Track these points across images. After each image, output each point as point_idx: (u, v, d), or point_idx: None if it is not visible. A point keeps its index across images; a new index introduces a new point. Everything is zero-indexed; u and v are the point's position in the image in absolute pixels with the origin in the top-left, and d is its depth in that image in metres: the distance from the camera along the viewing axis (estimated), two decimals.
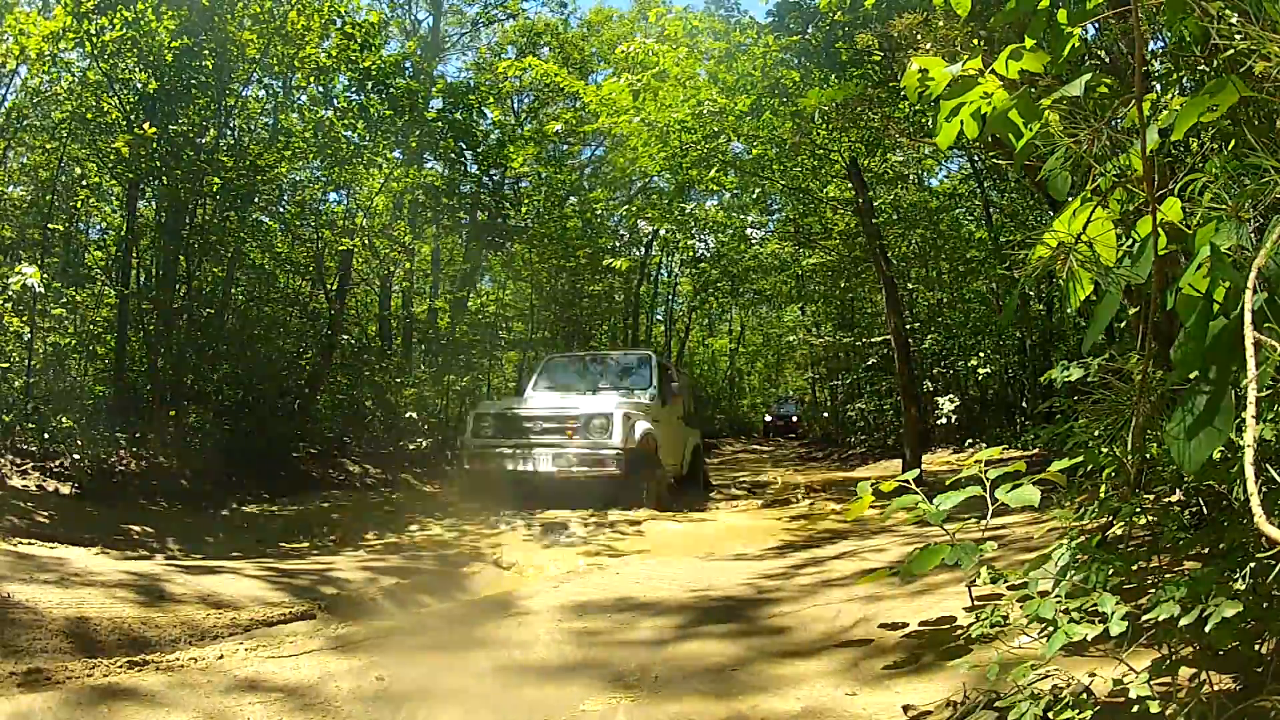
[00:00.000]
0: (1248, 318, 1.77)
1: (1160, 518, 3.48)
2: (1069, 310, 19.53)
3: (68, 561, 6.86)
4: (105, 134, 12.97)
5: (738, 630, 5.46)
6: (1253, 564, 2.62)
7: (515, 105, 27.90)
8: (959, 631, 4.23)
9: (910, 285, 23.57)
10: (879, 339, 23.74)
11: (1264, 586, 2.52)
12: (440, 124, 17.22)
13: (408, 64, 20.57)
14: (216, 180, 13.48)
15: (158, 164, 12.78)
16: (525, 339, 23.77)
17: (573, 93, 18.39)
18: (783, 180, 18.99)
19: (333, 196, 17.88)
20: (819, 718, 3.81)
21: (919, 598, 5.22)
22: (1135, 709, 2.44)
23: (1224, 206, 2.26)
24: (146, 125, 12.35)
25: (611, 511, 11.55)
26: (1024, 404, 19.37)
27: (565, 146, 28.12)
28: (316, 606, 6.31)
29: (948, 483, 4.02)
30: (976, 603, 3.88)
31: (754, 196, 22.48)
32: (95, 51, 12.30)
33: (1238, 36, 2.42)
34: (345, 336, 17.92)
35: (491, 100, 19.82)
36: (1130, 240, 2.50)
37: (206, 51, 13.32)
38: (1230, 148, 2.74)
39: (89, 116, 12.83)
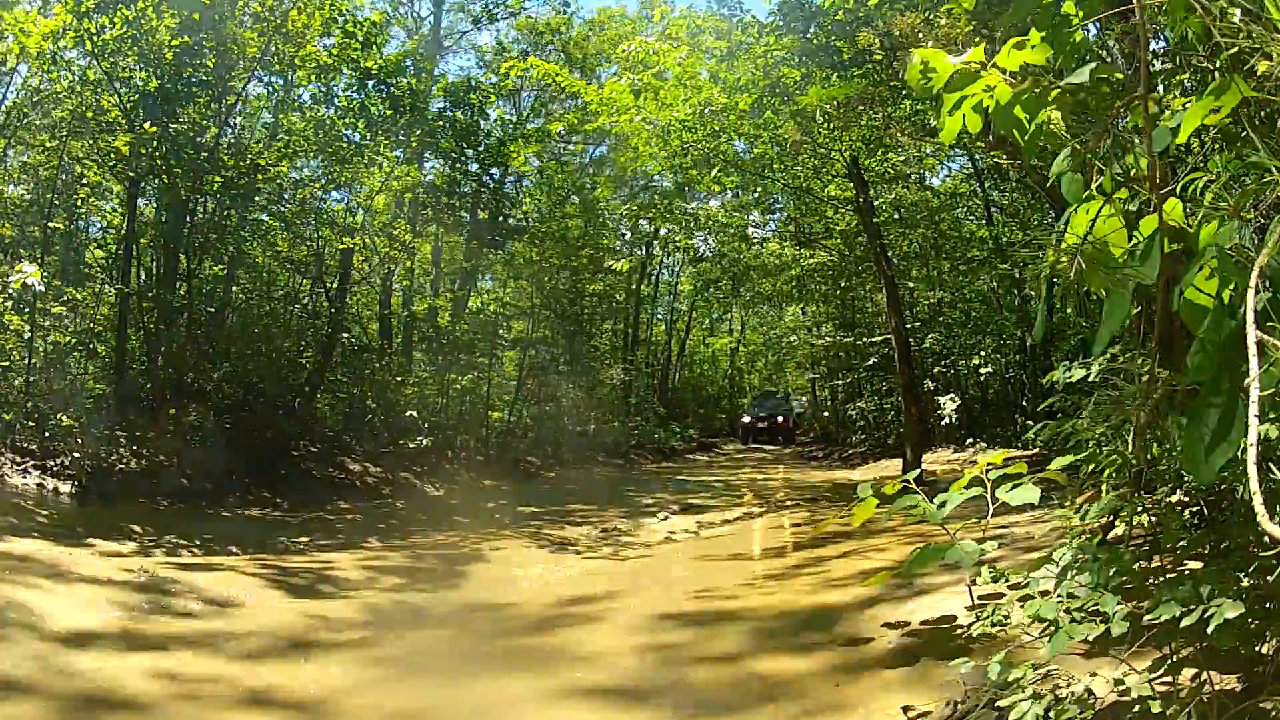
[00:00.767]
0: (1250, 318, 1.76)
1: (1162, 518, 3.47)
2: (1069, 311, 19.57)
3: (67, 561, 6.84)
4: (106, 133, 12.94)
5: (734, 628, 5.46)
6: (1255, 565, 2.62)
7: (517, 104, 27.88)
8: (960, 631, 4.22)
9: (911, 284, 23.55)
10: (880, 338, 23.74)
11: (1265, 587, 2.51)
12: (441, 123, 17.21)
13: (409, 63, 20.57)
14: (217, 179, 13.46)
15: (158, 162, 12.77)
16: (526, 338, 23.72)
17: (574, 92, 18.38)
18: (784, 180, 18.97)
19: (333, 195, 17.85)
20: (817, 715, 3.81)
21: (920, 597, 5.22)
22: (1137, 709, 2.43)
23: (1226, 206, 2.25)
24: (147, 124, 12.34)
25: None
26: (1025, 404, 19.32)
27: (568, 146, 28.12)
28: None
29: (952, 488, 4.02)
30: (978, 602, 3.88)
31: (755, 196, 22.47)
32: (95, 50, 12.27)
33: (1240, 36, 2.41)
34: (346, 335, 17.90)
35: (493, 99, 19.79)
36: (1134, 240, 2.49)
37: (207, 50, 13.30)
38: (1232, 148, 2.74)
39: (89, 115, 12.80)
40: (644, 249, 33.35)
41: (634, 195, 29.51)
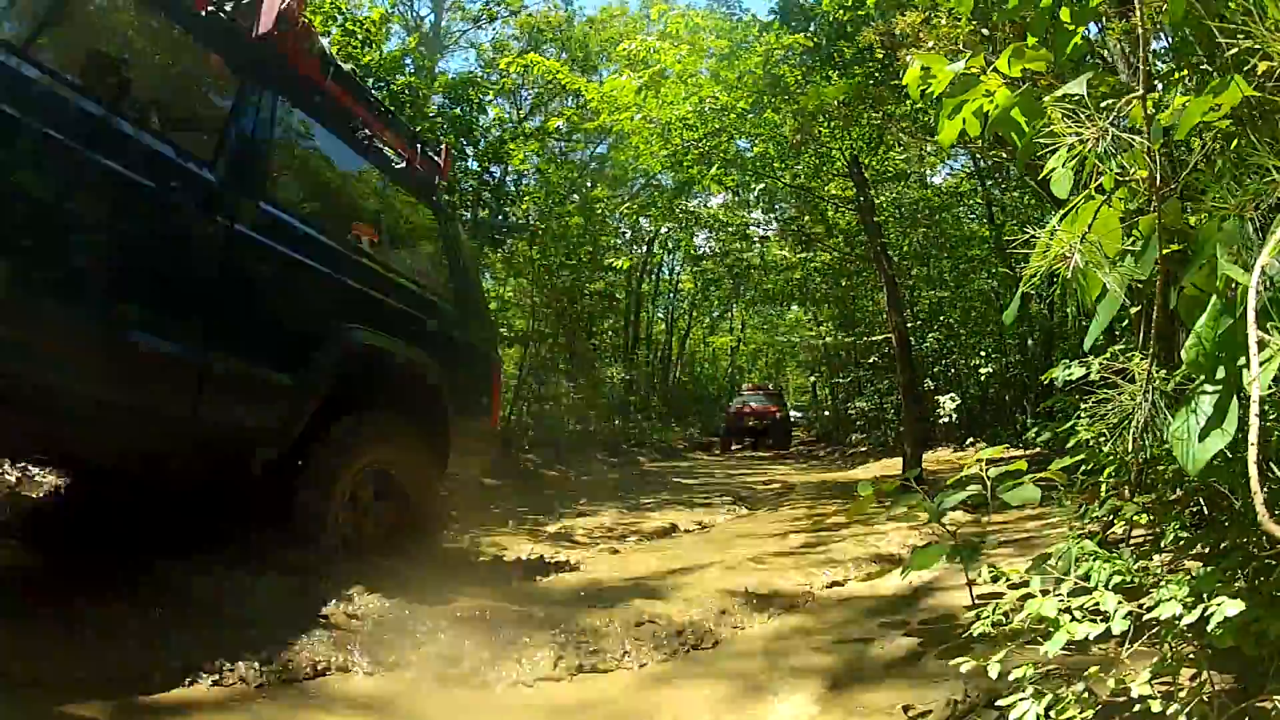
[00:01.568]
0: (1251, 316, 1.76)
1: (1161, 517, 3.48)
2: (1070, 310, 19.59)
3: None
4: None
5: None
6: (1254, 564, 2.62)
7: (517, 102, 27.91)
8: (959, 630, 4.23)
9: (912, 283, 23.59)
10: (880, 337, 23.77)
11: (1265, 585, 2.52)
12: (440, 120, 17.20)
13: (408, 60, 20.56)
14: None
15: None
16: (526, 335, 23.71)
17: (575, 90, 18.37)
18: (784, 178, 18.99)
19: None
20: (816, 715, 3.81)
21: (920, 596, 5.22)
22: (1137, 708, 2.43)
23: (1226, 206, 2.26)
24: None
25: None
26: (1025, 403, 19.35)
27: (568, 143, 28.16)
28: None
29: (949, 481, 4.02)
30: (977, 601, 3.88)
31: (755, 196, 22.50)
32: None
33: (1241, 36, 2.42)
34: None
35: (493, 96, 19.79)
36: (1132, 239, 2.49)
37: None
38: (1232, 147, 2.74)
39: None
40: (645, 247, 33.40)
41: (634, 194, 29.56)
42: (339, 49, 14.50)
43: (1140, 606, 2.56)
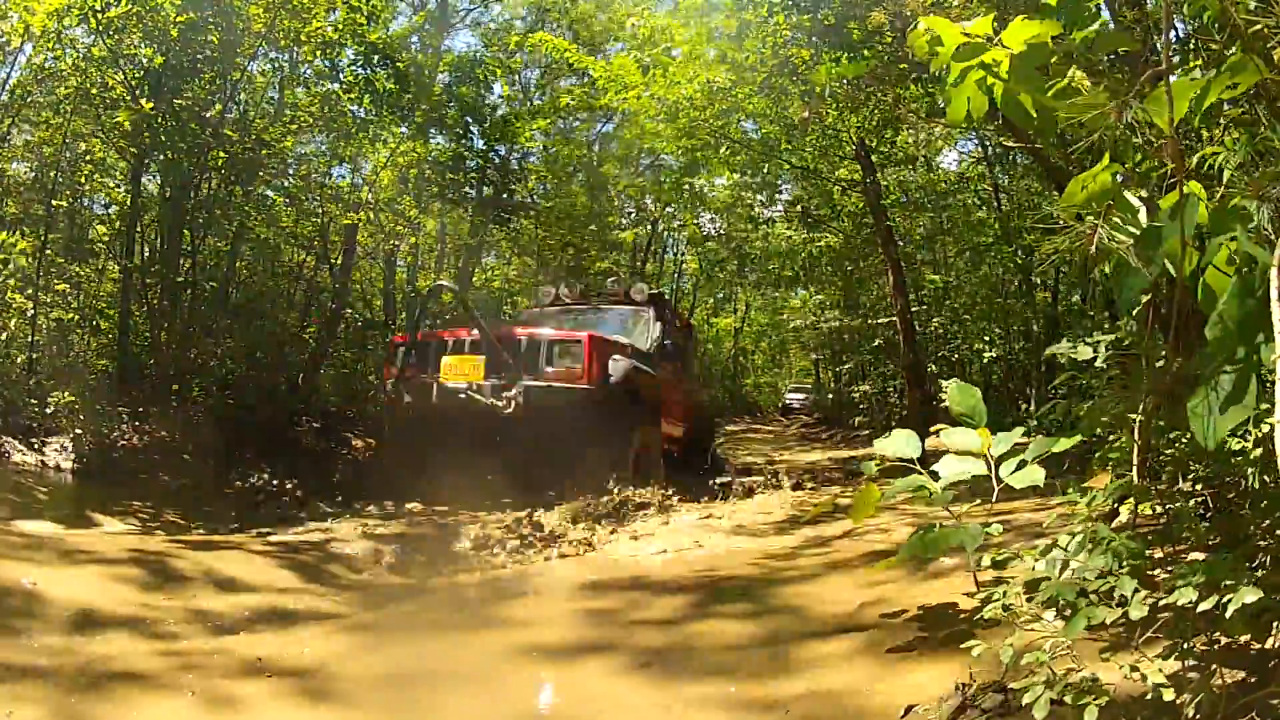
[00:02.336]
0: (1274, 295, 1.73)
1: (1170, 502, 3.44)
2: (1074, 299, 19.51)
3: (70, 540, 6.84)
4: (110, 109, 12.90)
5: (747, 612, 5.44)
6: (1270, 553, 2.59)
7: (523, 80, 27.82)
8: (963, 616, 4.20)
9: (918, 268, 23.54)
10: (885, 321, 23.72)
11: (1277, 576, 2.49)
12: (447, 98, 17.15)
13: (415, 38, 20.48)
14: (221, 154, 13.42)
15: (162, 138, 12.72)
16: None
17: (581, 69, 18.31)
18: (791, 160, 18.91)
19: (338, 171, 17.81)
20: (822, 701, 3.79)
21: (923, 582, 5.20)
22: (1149, 696, 2.41)
23: (1246, 187, 2.22)
24: (146, 102, 12.29)
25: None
26: (1030, 389, 19.31)
27: (575, 123, 28.05)
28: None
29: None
30: (982, 587, 3.85)
31: (762, 177, 22.41)
32: (100, 27, 12.20)
33: (1258, 19, 2.38)
34: (349, 311, 17.90)
35: (499, 74, 19.72)
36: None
37: (212, 26, 13.23)
38: (1247, 132, 2.70)
39: (94, 92, 12.75)
40: (649, 227, 33.30)
41: (640, 173, 29.47)
42: (344, 26, 14.44)
43: (1154, 593, 2.54)
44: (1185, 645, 2.46)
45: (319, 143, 16.77)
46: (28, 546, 6.22)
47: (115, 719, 3.80)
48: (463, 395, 10.14)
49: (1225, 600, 2.27)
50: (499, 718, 4.02)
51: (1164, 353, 2.54)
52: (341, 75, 15.36)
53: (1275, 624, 2.43)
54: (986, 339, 21.41)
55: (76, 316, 13.33)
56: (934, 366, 23.24)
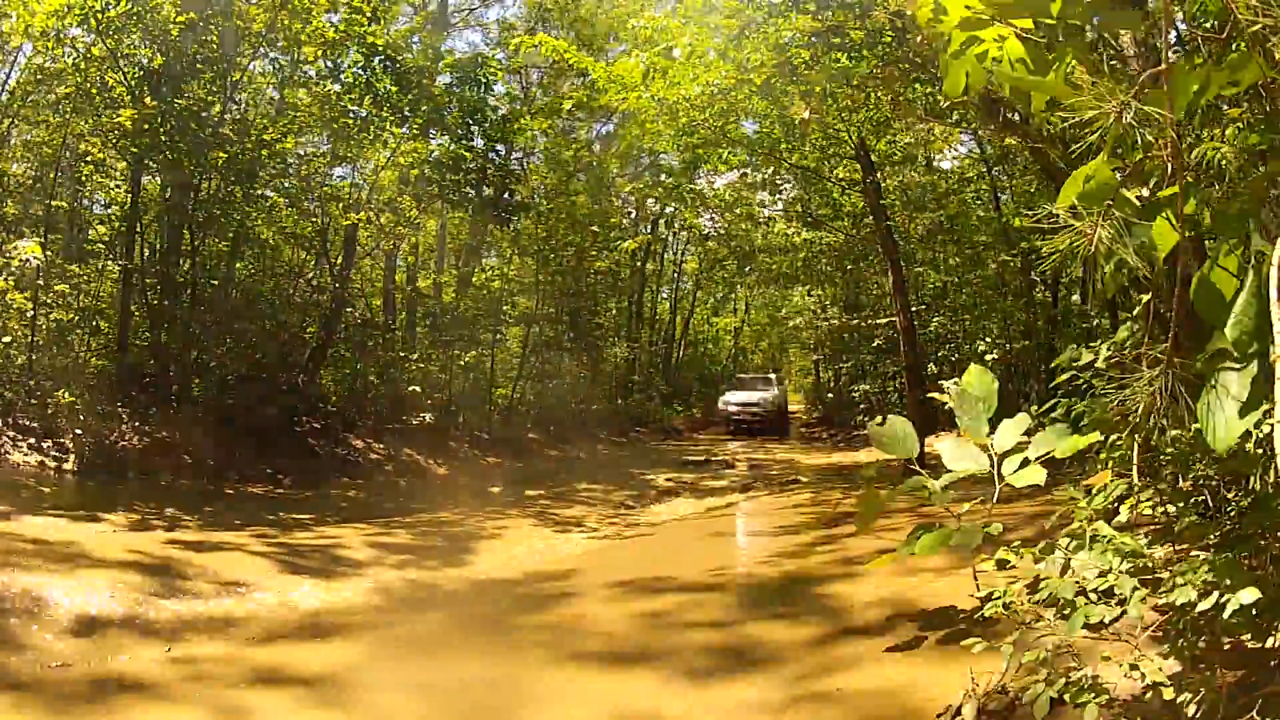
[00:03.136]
0: (1274, 294, 1.73)
1: (1172, 502, 3.44)
2: (1075, 297, 19.51)
3: (72, 542, 6.82)
4: (110, 109, 12.90)
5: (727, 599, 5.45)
6: (1269, 554, 2.59)
7: (524, 81, 27.78)
8: (963, 614, 4.20)
9: (917, 268, 23.51)
10: (885, 321, 23.70)
11: (1275, 575, 2.49)
12: (447, 99, 17.13)
13: (416, 39, 20.46)
14: (221, 154, 13.41)
15: (162, 138, 12.72)
16: (530, 315, 23.71)
17: (582, 69, 18.27)
18: (792, 160, 18.89)
19: (338, 171, 17.80)
20: (822, 697, 3.79)
21: (924, 579, 5.20)
22: (1149, 695, 2.41)
23: (1246, 187, 2.22)
24: (149, 100, 12.29)
25: None
26: (1029, 390, 19.29)
27: (575, 123, 28.01)
28: None
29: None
30: (983, 586, 3.85)
31: (763, 176, 22.38)
32: (100, 27, 12.21)
33: (1259, 17, 2.37)
34: (350, 311, 17.89)
35: (500, 75, 19.70)
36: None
37: (212, 26, 13.23)
38: (1245, 131, 2.70)
39: (93, 92, 12.75)
40: (650, 226, 33.27)
41: (641, 172, 29.44)
42: (345, 27, 14.43)
43: (1155, 592, 2.54)
44: (1185, 645, 2.47)
45: (319, 143, 16.76)
46: (30, 551, 6.22)
47: None
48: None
49: (1224, 600, 2.28)
50: None
51: (1163, 352, 2.54)
52: (342, 76, 15.35)
53: (1276, 624, 2.43)
54: (987, 338, 21.38)
55: (77, 317, 13.32)
56: (934, 366, 23.22)
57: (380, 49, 15.08)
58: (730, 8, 14.64)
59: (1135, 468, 3.47)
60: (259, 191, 15.10)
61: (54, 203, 13.41)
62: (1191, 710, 2.35)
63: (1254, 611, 2.30)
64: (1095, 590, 2.70)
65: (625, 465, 17.58)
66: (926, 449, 6.23)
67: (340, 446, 15.22)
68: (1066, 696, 2.46)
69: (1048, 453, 3.88)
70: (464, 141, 17.88)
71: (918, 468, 4.23)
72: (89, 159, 14.15)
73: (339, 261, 17.65)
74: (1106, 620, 2.58)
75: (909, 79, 12.38)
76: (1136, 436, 3.28)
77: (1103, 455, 3.86)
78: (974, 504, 4.54)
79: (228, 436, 12.66)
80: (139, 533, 8.14)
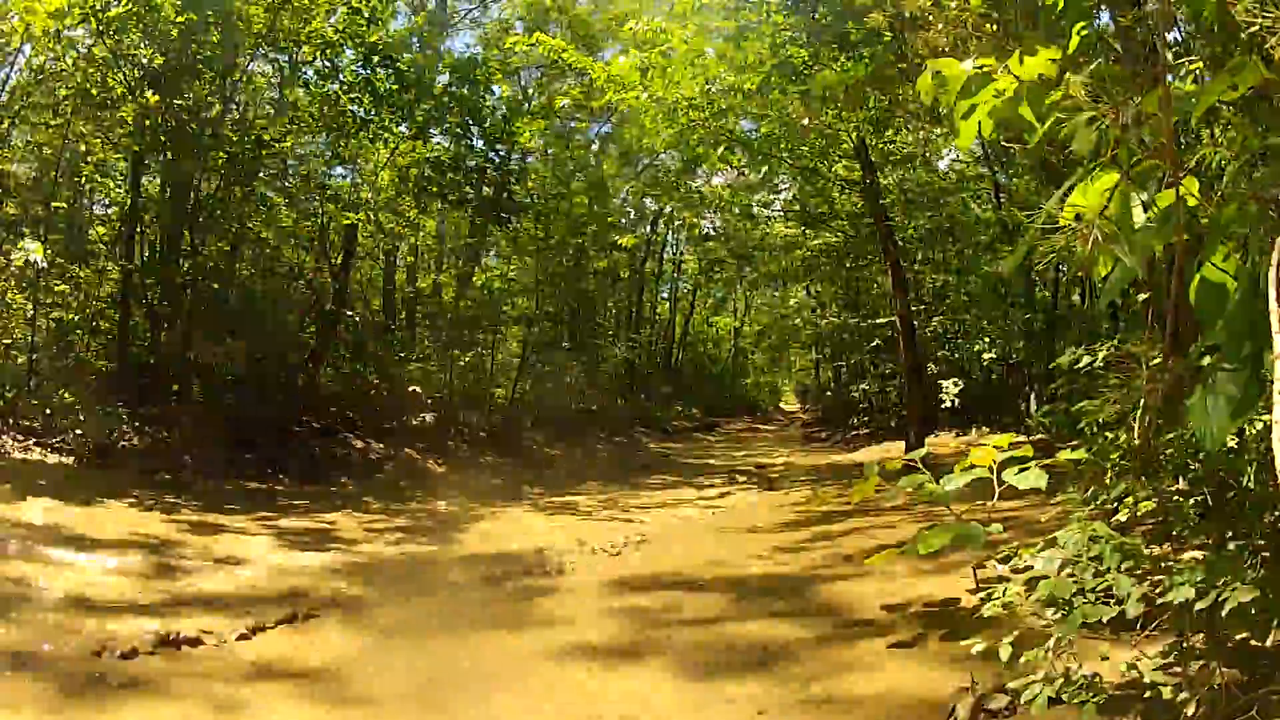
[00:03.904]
0: (1273, 293, 1.75)
1: (1171, 505, 3.46)
2: (1075, 296, 19.53)
3: (74, 530, 6.83)
4: (110, 110, 12.90)
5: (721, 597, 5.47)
6: (1264, 554, 2.60)
7: (523, 81, 27.78)
8: (964, 613, 4.22)
9: (917, 267, 23.52)
10: (884, 320, 23.70)
11: (1272, 573, 2.50)
12: (447, 99, 17.14)
13: (415, 39, 20.46)
14: (221, 155, 13.42)
15: (162, 139, 12.72)
16: (529, 315, 23.73)
17: (580, 69, 18.27)
18: (790, 159, 18.90)
19: (338, 171, 17.80)
20: (822, 696, 3.80)
21: (925, 578, 5.22)
22: (1147, 694, 2.42)
23: (1244, 187, 2.23)
24: (151, 95, 12.30)
25: None
26: (1028, 388, 19.29)
27: (573, 123, 28.00)
28: None
29: (956, 468, 4.00)
30: (982, 584, 3.87)
31: (761, 176, 22.38)
32: (100, 28, 12.22)
33: (1258, 19, 2.39)
34: (349, 311, 17.90)
35: (499, 75, 19.70)
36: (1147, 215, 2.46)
37: (212, 26, 13.23)
38: (1243, 133, 2.71)
39: (94, 93, 12.76)
40: (649, 226, 33.27)
41: (640, 172, 29.43)
42: (345, 27, 14.44)
43: (1153, 590, 2.55)
44: (1184, 644, 2.48)
45: (319, 143, 16.77)
46: (27, 536, 6.23)
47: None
48: None
49: (1222, 599, 2.29)
50: None
51: (1161, 353, 2.55)
52: (342, 75, 15.35)
53: (1274, 623, 2.45)
54: (985, 338, 21.38)
55: (77, 317, 13.32)
56: (934, 366, 23.22)
57: (379, 49, 15.09)
58: (727, 7, 14.63)
59: (1134, 468, 3.48)
60: (259, 191, 15.11)
61: (54, 203, 13.42)
62: (1190, 710, 2.36)
63: (1251, 610, 2.31)
64: (1093, 589, 2.71)
65: (625, 465, 17.60)
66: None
67: (339, 446, 15.22)
68: (1065, 695, 2.47)
69: (1046, 459, 3.89)
70: (463, 141, 17.90)
71: (919, 466, 4.23)
72: (89, 159, 14.16)
73: (338, 262, 17.66)
74: (1104, 619, 2.59)
75: (907, 79, 12.38)
76: (1135, 436, 3.29)
77: (1093, 452, 3.87)
78: (975, 504, 4.55)
79: (228, 436, 12.67)
80: (140, 522, 8.15)
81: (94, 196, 15.95)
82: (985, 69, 2.80)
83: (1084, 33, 3.00)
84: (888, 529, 7.46)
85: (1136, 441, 3.32)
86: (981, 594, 3.42)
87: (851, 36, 12.89)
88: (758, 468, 16.94)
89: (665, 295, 40.61)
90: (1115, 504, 3.76)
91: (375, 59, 15.22)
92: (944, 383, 20.78)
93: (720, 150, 16.77)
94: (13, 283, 11.08)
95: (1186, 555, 3.22)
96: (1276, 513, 2.73)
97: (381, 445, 15.93)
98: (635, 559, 7.46)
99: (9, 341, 11.69)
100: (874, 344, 26.40)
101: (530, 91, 27.09)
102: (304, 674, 4.43)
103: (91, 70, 12.72)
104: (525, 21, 27.46)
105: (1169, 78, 3.53)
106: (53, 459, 10.59)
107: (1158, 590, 2.58)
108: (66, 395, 11.51)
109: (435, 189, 18.25)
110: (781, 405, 52.31)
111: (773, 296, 40.91)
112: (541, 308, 24.01)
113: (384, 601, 5.82)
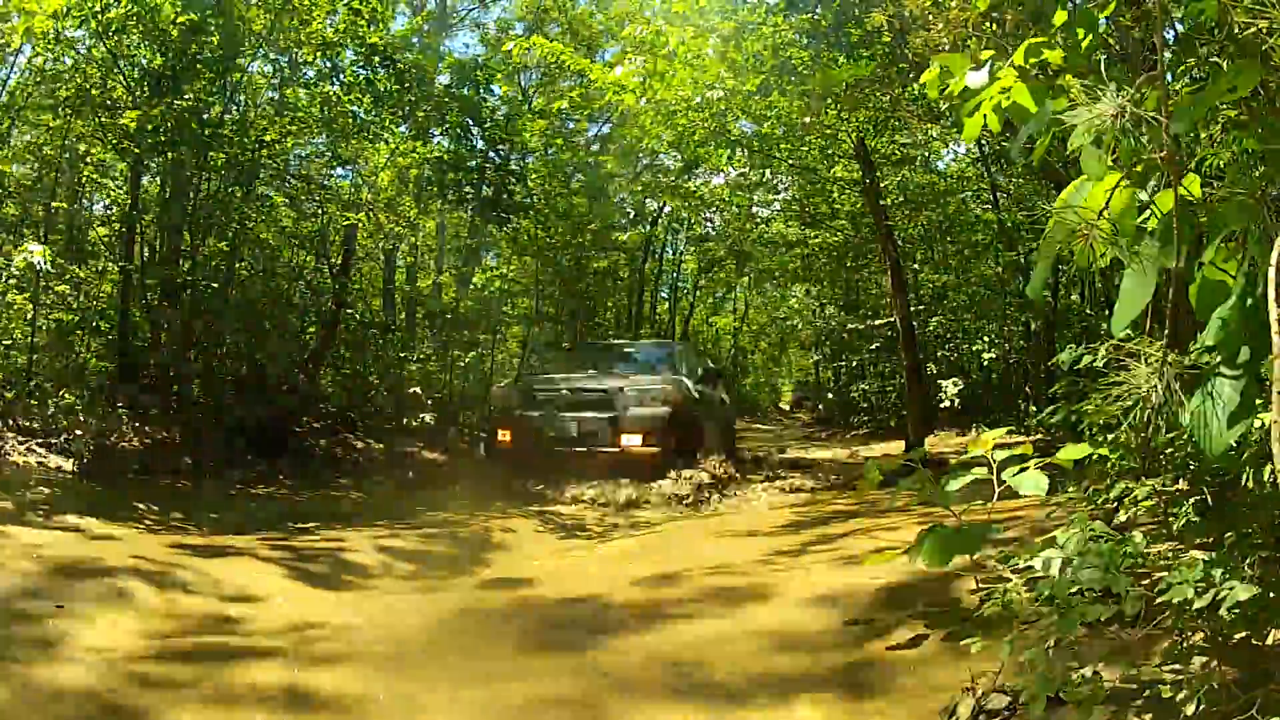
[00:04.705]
0: (1272, 294, 1.75)
1: (1170, 503, 3.46)
2: (1075, 296, 19.54)
3: (74, 549, 6.78)
4: (110, 110, 12.91)
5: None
6: (1263, 553, 2.61)
7: (523, 82, 27.81)
8: (964, 614, 4.21)
9: (916, 267, 23.55)
10: (884, 321, 23.73)
11: (1272, 573, 2.50)
12: (447, 99, 17.15)
13: (415, 39, 20.48)
14: (221, 155, 13.43)
15: (162, 139, 12.73)
16: (530, 314, 23.76)
17: (579, 70, 18.27)
18: (790, 160, 18.91)
19: (338, 171, 17.81)
20: (829, 701, 3.80)
21: (926, 577, 5.21)
22: (1147, 693, 2.43)
23: (1244, 188, 2.23)
24: (151, 98, 12.31)
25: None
26: (1028, 389, 19.33)
27: (572, 124, 28.02)
28: None
29: (953, 463, 4.00)
30: (983, 584, 3.87)
31: (761, 176, 22.39)
32: (100, 29, 12.22)
33: (1257, 17, 2.39)
34: (349, 311, 17.89)
35: (499, 76, 19.72)
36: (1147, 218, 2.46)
37: (212, 27, 13.23)
38: (1241, 134, 2.71)
39: (94, 94, 12.77)
40: (648, 226, 33.28)
41: (639, 172, 29.44)
42: (345, 27, 14.44)
43: (1152, 590, 2.55)
44: (1183, 646, 2.48)
45: (319, 143, 16.78)
46: (29, 554, 6.21)
47: None
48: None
49: (1221, 597, 2.29)
50: None
51: (1160, 352, 2.55)
52: (342, 76, 15.35)
53: (1274, 622, 2.45)
54: (985, 338, 21.43)
55: (77, 318, 13.32)
56: (933, 366, 23.27)
57: (379, 49, 15.09)
58: (726, 8, 14.63)
59: (1137, 467, 3.49)
60: (259, 192, 15.12)
61: (55, 204, 13.42)
62: (1190, 709, 2.36)
63: (1251, 610, 2.31)
64: (1093, 589, 2.71)
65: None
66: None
67: (341, 447, 15.24)
68: (1064, 695, 2.48)
69: (1047, 457, 3.89)
70: (464, 142, 17.90)
71: (919, 466, 4.23)
72: (89, 160, 14.17)
73: (339, 262, 17.67)
74: (1104, 619, 2.59)
75: (908, 79, 12.40)
76: (1134, 436, 3.29)
77: (1095, 453, 3.87)
78: (975, 504, 4.55)
79: (228, 437, 12.68)
80: (141, 533, 8.12)
81: (94, 197, 15.98)
82: (990, 62, 2.82)
83: (1087, 38, 3.01)
84: (887, 530, 7.45)
85: (1139, 441, 3.32)
86: (982, 593, 3.42)
87: (852, 38, 12.91)
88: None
89: (665, 295, 40.68)
90: (1115, 504, 3.77)
91: (375, 59, 15.22)
92: (944, 382, 20.82)
93: (720, 151, 16.78)
94: (13, 284, 11.08)
95: (1190, 555, 3.22)
96: (1277, 513, 2.73)
97: (381, 445, 15.95)
98: (632, 561, 7.44)
99: (9, 342, 11.69)
100: (874, 344, 26.44)
101: (530, 92, 27.12)
102: (322, 704, 4.30)
103: (91, 71, 12.74)
104: (525, 22, 27.52)
105: (1168, 78, 3.53)
106: (52, 460, 10.57)
107: (1157, 590, 2.58)
108: (66, 396, 11.51)
109: (435, 189, 18.27)
110: (780, 405, 52.35)
111: (774, 295, 40.97)
112: (541, 308, 24.02)
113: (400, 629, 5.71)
